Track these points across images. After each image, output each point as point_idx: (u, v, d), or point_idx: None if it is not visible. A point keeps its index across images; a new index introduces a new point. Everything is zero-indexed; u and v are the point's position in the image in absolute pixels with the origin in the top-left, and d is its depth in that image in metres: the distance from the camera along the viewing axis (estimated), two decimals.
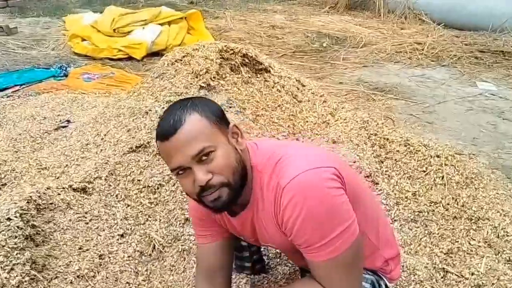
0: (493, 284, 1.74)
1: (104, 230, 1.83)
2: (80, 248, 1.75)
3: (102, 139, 2.28)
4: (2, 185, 2.08)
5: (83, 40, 4.77)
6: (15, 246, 1.57)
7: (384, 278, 1.29)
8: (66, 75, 3.98)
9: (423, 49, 5.64)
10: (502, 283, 1.74)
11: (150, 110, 2.22)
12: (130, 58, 4.72)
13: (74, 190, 1.97)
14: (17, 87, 3.59)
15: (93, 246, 1.77)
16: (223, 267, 1.34)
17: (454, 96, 4.42)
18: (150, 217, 1.94)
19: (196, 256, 1.40)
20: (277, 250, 1.84)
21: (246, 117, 2.26)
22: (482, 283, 1.74)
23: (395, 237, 1.40)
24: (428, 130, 3.58)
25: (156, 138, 1.07)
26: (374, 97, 4.25)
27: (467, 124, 3.82)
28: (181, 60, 2.41)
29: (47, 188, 1.87)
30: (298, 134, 2.36)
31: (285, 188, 1.02)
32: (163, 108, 2.20)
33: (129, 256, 1.77)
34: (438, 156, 2.20)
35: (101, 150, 2.22)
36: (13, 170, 2.16)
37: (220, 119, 1.08)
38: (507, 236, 1.96)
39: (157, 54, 4.92)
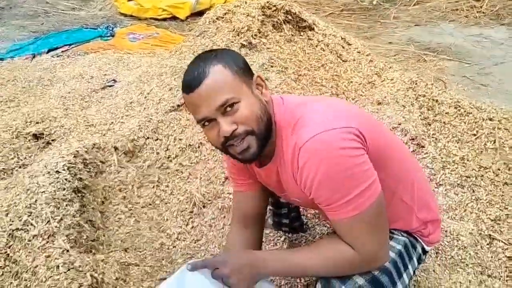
0: None
1: (148, 187, 1.89)
2: (124, 198, 1.82)
3: (145, 97, 2.32)
4: (52, 140, 2.18)
5: (129, 0, 4.80)
6: (64, 197, 1.65)
7: (421, 241, 1.26)
8: (112, 35, 4.04)
9: (481, 7, 5.24)
10: None
11: None
12: (174, 18, 4.72)
13: (117, 148, 2.03)
14: (66, 47, 3.69)
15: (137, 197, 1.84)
16: (255, 216, 1.35)
17: None
18: (191, 175, 1.98)
19: (232, 203, 1.43)
20: (315, 212, 1.83)
21: (288, 76, 2.20)
22: None
23: (436, 201, 1.35)
24: (482, 93, 3.37)
25: (182, 90, 1.08)
26: (426, 58, 4.03)
27: None
28: (223, 18, 2.37)
29: (93, 144, 1.93)
30: (342, 95, 2.29)
31: (301, 149, 1.01)
32: None
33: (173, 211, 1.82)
34: (490, 119, 2.08)
35: (144, 108, 2.25)
36: (62, 126, 2.25)
37: (244, 70, 1.07)
38: None
39: (202, 13, 4.87)
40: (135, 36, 4.06)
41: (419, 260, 1.27)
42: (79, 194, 1.72)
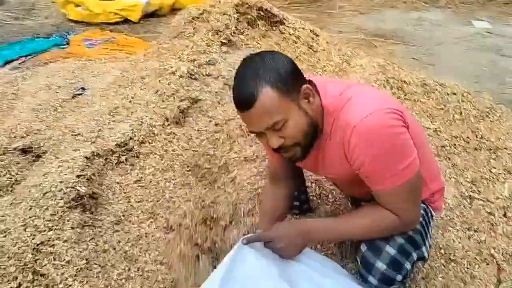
0: None
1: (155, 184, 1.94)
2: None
3: (130, 101, 2.34)
4: (42, 153, 2.14)
5: (77, 6, 4.68)
6: (76, 206, 1.67)
7: (430, 208, 1.43)
8: (68, 43, 3.94)
9: None
10: None
11: (176, 70, 2.26)
12: (126, 21, 4.67)
13: (114, 152, 2.05)
14: (23, 58, 3.56)
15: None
16: (287, 178, 1.48)
17: (452, 37, 4.50)
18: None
19: (268, 166, 1.56)
20: (317, 192, 1.97)
21: None
22: (507, 205, 1.90)
23: (440, 171, 1.53)
24: (431, 72, 3.67)
25: (234, 103, 1.15)
26: (376, 44, 4.31)
27: (467, 63, 3.93)
28: (198, 18, 2.44)
29: (92, 152, 1.95)
30: None
31: (355, 128, 1.11)
32: (188, 67, 2.25)
33: None
34: (454, 94, 2.31)
35: (132, 112, 2.28)
36: (50, 138, 2.22)
37: (291, 84, 1.11)
38: None
39: (153, 14, 4.87)
40: (92, 42, 3.99)
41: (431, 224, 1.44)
42: (90, 201, 1.74)
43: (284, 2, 5.52)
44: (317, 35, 2.70)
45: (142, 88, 2.34)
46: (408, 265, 1.24)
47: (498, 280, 1.67)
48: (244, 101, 1.09)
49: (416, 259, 1.27)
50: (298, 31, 2.62)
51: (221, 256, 1.64)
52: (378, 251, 1.22)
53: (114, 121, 2.30)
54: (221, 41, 2.33)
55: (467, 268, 1.70)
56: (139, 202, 1.95)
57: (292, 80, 1.12)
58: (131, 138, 2.11)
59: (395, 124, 1.13)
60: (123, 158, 2.06)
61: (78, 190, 1.69)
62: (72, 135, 2.31)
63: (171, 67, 2.28)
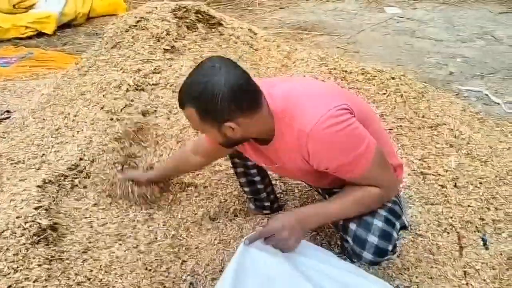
0: (464, 175, 2.07)
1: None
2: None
3: (73, 120, 2.19)
4: None
5: None
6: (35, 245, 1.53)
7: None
8: None
9: None
10: (470, 172, 2.08)
11: (121, 83, 2.16)
12: (40, 34, 4.36)
13: (66, 177, 1.92)
14: None
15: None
16: (207, 156, 1.69)
17: (369, 24, 4.78)
18: None
19: (198, 141, 1.70)
20: (283, 188, 2.00)
21: None
22: (456, 176, 2.06)
23: (394, 149, 1.65)
24: (357, 59, 3.87)
25: None
26: (301, 36, 4.44)
27: (387, 47, 4.20)
28: (136, 26, 2.34)
29: (43, 181, 1.80)
30: None
31: (309, 135, 1.19)
32: (134, 79, 2.16)
33: None
34: (393, 78, 2.46)
35: (77, 131, 2.14)
36: None
37: (220, 114, 1.19)
38: (462, 135, 2.30)
39: (69, 25, 4.60)
40: (6, 60, 3.67)
41: None
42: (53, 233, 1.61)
43: (203, 1, 5.48)
44: (255, 33, 2.72)
45: (85, 105, 2.20)
46: (395, 234, 1.34)
47: (460, 246, 1.82)
48: (179, 102, 1.25)
49: (399, 228, 1.38)
50: (236, 31, 2.62)
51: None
52: (368, 226, 1.31)
53: (58, 143, 2.14)
54: (163, 48, 2.25)
55: (432, 240, 1.83)
56: (102, 225, 1.84)
57: (218, 113, 1.19)
58: (81, 159, 1.98)
59: (345, 119, 1.21)
60: (76, 181, 1.93)
61: (39, 223, 1.55)
62: (11, 164, 2.12)
63: (115, 80, 2.17)
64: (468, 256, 1.77)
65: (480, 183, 2.05)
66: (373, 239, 1.30)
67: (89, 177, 1.95)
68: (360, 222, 1.32)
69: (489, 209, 1.96)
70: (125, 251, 1.76)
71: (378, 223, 1.31)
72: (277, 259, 1.21)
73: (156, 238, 1.78)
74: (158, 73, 2.23)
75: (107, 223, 1.85)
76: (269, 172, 1.84)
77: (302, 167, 1.34)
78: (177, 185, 1.99)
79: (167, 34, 2.29)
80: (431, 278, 1.66)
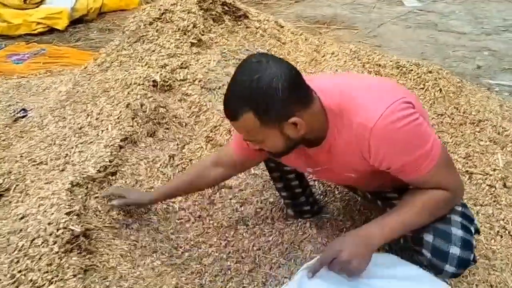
0: None
1: None
2: None
3: (97, 119, 2.08)
4: (4, 190, 1.83)
5: None
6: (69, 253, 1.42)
7: None
8: None
9: None
10: None
11: (146, 79, 2.04)
12: (52, 30, 4.24)
13: (94, 179, 1.80)
14: None
15: None
16: (230, 168, 1.51)
17: (389, 17, 4.64)
18: None
19: (224, 152, 1.53)
20: (322, 190, 1.88)
21: None
22: (505, 175, 1.94)
23: None
24: (380, 53, 3.75)
25: None
26: (320, 31, 4.31)
27: (410, 41, 4.07)
28: (160, 18, 2.21)
29: (71, 183, 1.68)
30: None
31: (372, 130, 1.08)
32: (161, 74, 2.05)
33: None
34: (430, 72, 2.33)
35: (102, 130, 2.02)
36: (10, 173, 1.91)
37: (279, 111, 1.08)
38: (505, 131, 2.18)
39: (80, 21, 4.48)
40: (19, 57, 3.56)
41: None
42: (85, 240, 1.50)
43: None
44: (282, 27, 2.60)
45: (109, 103, 2.09)
46: (474, 242, 1.22)
47: None
48: (227, 114, 1.12)
49: (474, 233, 1.25)
50: (263, 23, 2.50)
51: None
52: (447, 237, 1.18)
53: (82, 143, 2.03)
54: (190, 42, 2.14)
55: (486, 244, 1.71)
56: None
57: (281, 108, 1.07)
58: (110, 161, 1.86)
59: (409, 113, 1.11)
60: (104, 184, 1.81)
61: (72, 229, 1.44)
62: (33, 165, 2.01)
63: (140, 77, 2.05)
64: None
65: None
66: (455, 250, 1.16)
67: (118, 180, 1.84)
68: (437, 232, 1.18)
69: None
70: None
71: (457, 231, 1.18)
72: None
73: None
74: (186, 68, 2.11)
75: None
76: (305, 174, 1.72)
77: (356, 167, 1.23)
78: None
79: (194, 27, 2.17)
80: (490, 286, 1.54)
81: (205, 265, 1.59)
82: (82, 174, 1.75)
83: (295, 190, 1.70)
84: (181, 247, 1.67)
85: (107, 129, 2.02)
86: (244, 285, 1.52)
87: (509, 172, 1.96)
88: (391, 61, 2.40)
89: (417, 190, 1.19)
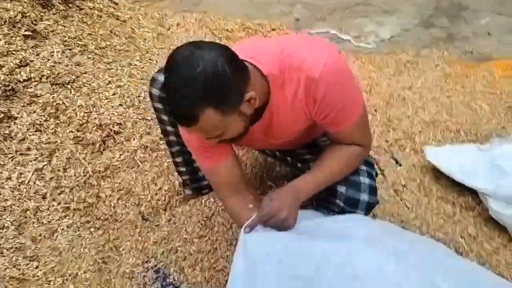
0: None
1: None
2: None
3: None
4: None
5: None
6: None
7: None
8: None
9: None
10: None
11: None
12: None
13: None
14: None
15: None
16: (241, 177, 1.35)
17: None
18: None
19: (211, 181, 1.36)
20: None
21: (94, 53, 1.99)
22: None
23: None
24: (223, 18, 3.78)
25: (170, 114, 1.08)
26: (141, 4, 4.11)
27: (232, 5, 4.17)
28: None
29: None
30: (147, 54, 2.25)
31: (319, 79, 1.09)
32: None
33: None
34: (274, 30, 2.48)
35: None
36: None
37: (234, 95, 1.02)
38: None
39: None
40: None
41: None
42: None
43: None
44: (116, 3, 2.42)
45: None
46: (376, 184, 1.34)
47: (380, 170, 2.00)
48: (184, 121, 1.03)
49: (375, 176, 1.38)
50: (96, 3, 2.28)
51: None
52: (357, 186, 1.28)
53: None
54: (23, 34, 1.83)
55: None
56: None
57: (235, 91, 1.02)
58: None
59: (345, 60, 1.19)
60: None
61: None
62: None
63: None
64: (389, 175, 1.96)
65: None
66: (364, 197, 1.27)
67: None
68: (348, 183, 1.28)
69: (388, 131, 2.18)
70: None
71: (365, 180, 1.29)
72: (281, 234, 1.15)
73: None
74: (26, 65, 1.82)
75: None
76: None
77: (296, 128, 1.24)
78: None
79: (23, 16, 1.86)
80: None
81: None
82: None
83: (194, 165, 1.66)
84: None
85: None
86: None
87: None
88: (236, 25, 2.46)
89: (338, 146, 1.25)
